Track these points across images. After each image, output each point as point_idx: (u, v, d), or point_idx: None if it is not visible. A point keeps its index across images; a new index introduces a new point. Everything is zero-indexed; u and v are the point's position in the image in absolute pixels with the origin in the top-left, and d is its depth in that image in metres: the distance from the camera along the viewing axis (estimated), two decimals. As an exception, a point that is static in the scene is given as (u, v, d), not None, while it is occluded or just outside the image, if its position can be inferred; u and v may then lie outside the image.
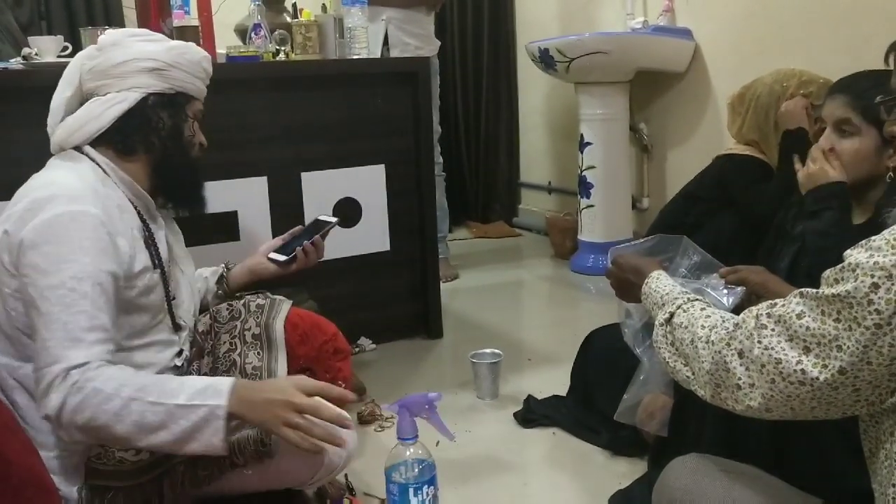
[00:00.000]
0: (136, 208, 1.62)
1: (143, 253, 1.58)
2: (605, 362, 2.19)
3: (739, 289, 1.56)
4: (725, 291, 1.56)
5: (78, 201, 1.46)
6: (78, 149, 1.62)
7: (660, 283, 1.45)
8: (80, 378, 1.34)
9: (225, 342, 1.76)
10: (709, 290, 1.55)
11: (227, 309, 1.82)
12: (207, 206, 1.81)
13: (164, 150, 1.65)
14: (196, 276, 1.91)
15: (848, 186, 1.78)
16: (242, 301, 1.85)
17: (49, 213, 1.43)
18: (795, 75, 2.53)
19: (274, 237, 2.74)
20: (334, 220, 2.01)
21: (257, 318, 1.80)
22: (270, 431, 1.40)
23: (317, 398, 1.39)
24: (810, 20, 3.16)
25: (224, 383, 1.39)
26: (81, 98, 1.64)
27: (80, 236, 1.43)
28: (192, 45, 1.71)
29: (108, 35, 1.65)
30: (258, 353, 1.69)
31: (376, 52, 3.53)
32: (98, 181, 1.56)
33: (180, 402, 1.35)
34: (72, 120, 1.60)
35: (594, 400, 2.24)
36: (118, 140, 1.61)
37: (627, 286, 1.60)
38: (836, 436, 1.46)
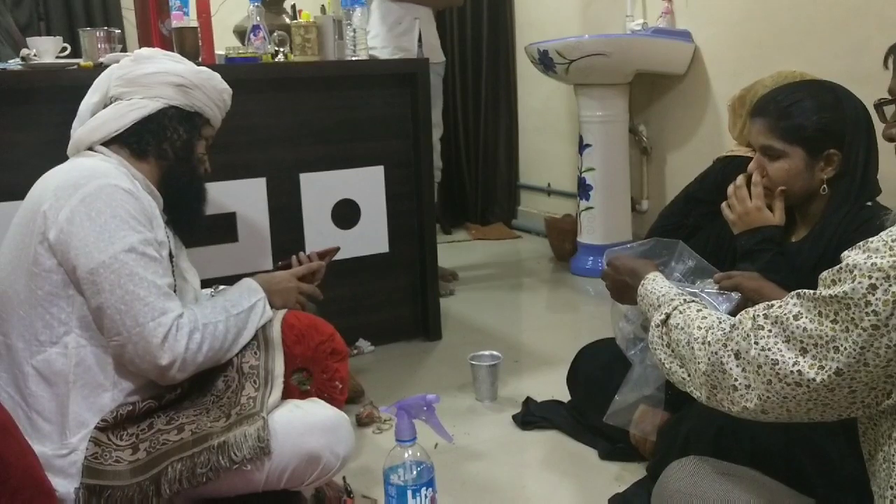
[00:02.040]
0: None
1: (161, 231, 1.66)
2: (592, 383, 2.20)
3: (735, 294, 1.56)
4: (721, 297, 1.55)
5: (110, 177, 1.57)
6: (91, 150, 1.69)
7: (656, 284, 1.44)
8: (190, 321, 1.55)
9: None
10: (703, 296, 1.55)
11: None
12: (204, 223, 1.88)
13: (174, 161, 1.74)
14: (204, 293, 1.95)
15: (790, 204, 1.78)
16: None
17: (90, 187, 1.54)
18: (796, 77, 2.53)
19: (272, 239, 2.77)
20: (335, 247, 2.19)
21: None
22: (286, 306, 1.83)
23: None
24: (809, 23, 3.16)
25: (251, 282, 1.78)
26: (106, 104, 1.72)
27: (128, 207, 1.55)
28: (218, 75, 1.81)
29: (144, 50, 1.79)
30: (255, 353, 1.70)
31: (412, 51, 3.51)
32: (129, 174, 1.66)
33: (247, 305, 1.70)
34: (95, 119, 1.69)
35: (586, 416, 2.24)
36: (133, 141, 1.69)
37: (623, 288, 1.60)
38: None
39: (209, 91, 1.76)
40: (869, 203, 1.70)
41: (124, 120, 1.67)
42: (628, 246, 1.76)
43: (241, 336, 1.67)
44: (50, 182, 1.59)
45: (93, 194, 1.53)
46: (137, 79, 1.70)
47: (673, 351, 1.26)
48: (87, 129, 1.69)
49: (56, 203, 1.52)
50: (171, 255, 1.68)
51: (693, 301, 1.33)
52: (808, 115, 1.69)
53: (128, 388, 1.58)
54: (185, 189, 1.77)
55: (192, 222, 1.83)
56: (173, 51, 2.35)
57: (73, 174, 1.58)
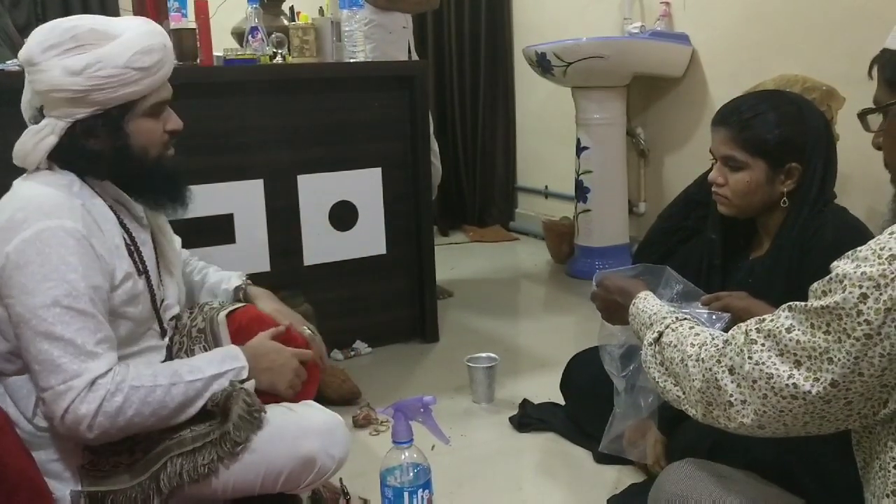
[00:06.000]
0: (117, 214, 1.58)
1: (125, 261, 1.55)
2: (584, 393, 2.20)
3: (725, 315, 1.56)
4: (712, 317, 1.56)
5: (54, 216, 1.44)
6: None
7: (647, 303, 1.44)
8: (111, 384, 1.40)
9: (176, 343, 1.76)
10: (695, 315, 1.55)
11: (188, 314, 1.80)
12: (188, 202, 1.69)
13: (114, 166, 1.55)
14: (183, 259, 1.89)
15: (749, 217, 1.79)
16: (199, 304, 1.84)
17: (29, 231, 1.41)
18: (798, 81, 2.53)
19: (270, 240, 2.77)
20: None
21: (205, 314, 1.78)
22: (273, 390, 1.62)
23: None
24: (807, 26, 3.17)
25: (234, 349, 1.59)
26: (36, 107, 1.56)
27: (65, 252, 1.41)
28: (115, 46, 1.47)
29: (27, 51, 1.49)
30: (203, 347, 1.70)
31: (402, 60, 3.41)
32: (74, 192, 1.52)
33: (213, 372, 1.52)
34: (19, 147, 1.54)
35: (581, 423, 2.25)
36: (64, 166, 1.54)
37: (614, 308, 1.59)
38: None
39: (110, 82, 1.46)
40: (822, 209, 1.70)
41: (39, 152, 1.50)
42: (615, 270, 1.76)
43: (193, 405, 1.49)
44: (2, 210, 1.47)
45: (28, 240, 1.40)
46: (40, 93, 1.50)
47: (667, 369, 1.25)
48: (17, 158, 1.54)
49: (1, 250, 1.42)
50: (147, 276, 1.60)
51: (686, 319, 1.32)
52: (770, 128, 1.68)
53: None
54: (139, 181, 1.59)
55: (166, 205, 1.66)
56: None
57: (17, 214, 1.44)
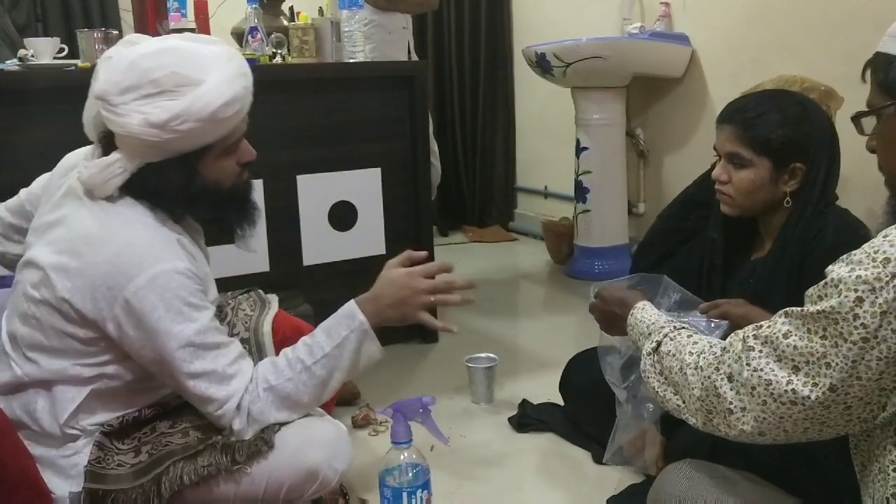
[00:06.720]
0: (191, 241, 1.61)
1: (213, 287, 1.63)
2: (584, 394, 2.20)
3: (724, 322, 1.56)
4: (711, 325, 1.56)
5: (162, 258, 1.45)
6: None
7: (645, 313, 1.44)
8: (249, 398, 1.49)
9: None
10: (694, 324, 1.55)
11: (218, 312, 1.80)
12: (257, 222, 1.71)
13: (185, 202, 1.57)
14: None
15: (752, 216, 1.80)
16: (231, 304, 1.85)
17: (142, 278, 1.41)
18: (797, 82, 2.53)
19: (269, 241, 2.76)
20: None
21: (245, 323, 1.81)
22: (411, 320, 1.59)
23: (433, 273, 1.62)
24: (807, 27, 3.17)
25: (348, 307, 1.58)
26: (103, 132, 1.53)
27: (184, 293, 1.45)
28: (199, 98, 1.41)
29: (101, 87, 1.44)
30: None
31: (402, 60, 3.41)
32: (161, 222, 1.53)
33: (333, 345, 1.53)
34: (87, 179, 1.49)
35: (580, 424, 2.25)
36: (138, 198, 1.52)
37: (612, 319, 1.60)
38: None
39: (190, 133, 1.43)
40: (824, 210, 1.70)
41: (109, 187, 1.48)
42: (613, 281, 1.77)
43: (331, 382, 1.54)
44: (90, 256, 1.44)
45: (144, 287, 1.41)
46: (114, 129, 1.46)
47: (666, 378, 1.25)
48: (88, 186, 1.49)
49: (108, 293, 1.42)
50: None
51: (684, 328, 1.32)
52: (775, 127, 1.69)
53: (139, 405, 1.58)
54: (217, 210, 1.61)
55: (241, 224, 1.68)
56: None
57: (120, 256, 1.43)
